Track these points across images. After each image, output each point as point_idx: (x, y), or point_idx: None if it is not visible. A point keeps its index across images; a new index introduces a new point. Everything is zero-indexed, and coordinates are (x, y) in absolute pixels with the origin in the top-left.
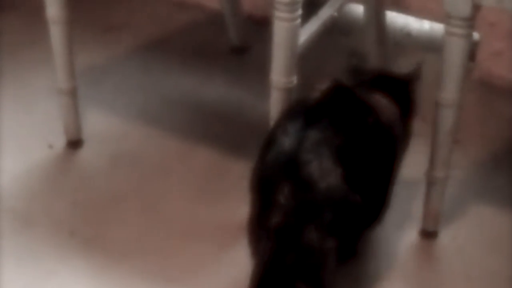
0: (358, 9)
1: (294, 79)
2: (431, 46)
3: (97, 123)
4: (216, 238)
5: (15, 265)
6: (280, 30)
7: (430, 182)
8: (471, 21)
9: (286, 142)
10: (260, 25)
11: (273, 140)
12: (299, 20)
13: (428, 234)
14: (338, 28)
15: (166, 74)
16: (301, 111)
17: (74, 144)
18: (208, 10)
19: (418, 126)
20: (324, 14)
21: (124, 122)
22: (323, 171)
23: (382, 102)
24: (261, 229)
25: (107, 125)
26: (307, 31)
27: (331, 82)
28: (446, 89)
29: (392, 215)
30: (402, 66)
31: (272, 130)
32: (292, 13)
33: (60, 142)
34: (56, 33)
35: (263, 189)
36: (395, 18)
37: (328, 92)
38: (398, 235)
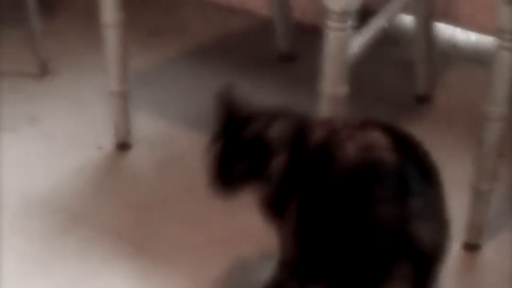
0: (407, 20)
1: (345, 90)
2: (476, 58)
3: (146, 126)
4: (261, 244)
5: (62, 264)
6: (331, 40)
7: (475, 195)
8: None
9: (391, 214)
10: (309, 33)
11: (370, 219)
12: (351, 30)
13: (471, 247)
14: (386, 38)
15: (215, 79)
16: (392, 178)
17: (123, 146)
18: (258, 17)
19: (464, 137)
20: (376, 24)
21: (172, 126)
22: (434, 237)
23: None
24: None
25: (155, 129)
26: (359, 42)
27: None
28: (494, 103)
29: None
30: None
31: (361, 206)
32: (344, 23)
33: (109, 143)
34: (110, 36)
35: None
36: (442, 29)
37: (400, 151)
38: None
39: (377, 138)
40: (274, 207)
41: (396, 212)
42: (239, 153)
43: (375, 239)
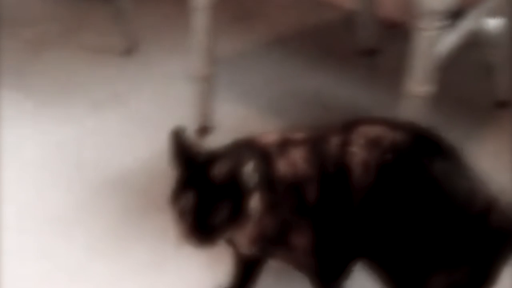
0: (490, 22)
1: (431, 90)
2: None
3: (228, 111)
4: None
5: (136, 244)
6: (421, 38)
7: None
8: None
9: (451, 171)
10: (392, 29)
11: (441, 185)
12: (441, 30)
13: None
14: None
15: (296, 69)
16: (427, 145)
17: (204, 130)
18: (343, 10)
19: None
20: (466, 25)
21: (254, 112)
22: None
23: None
24: None
25: (237, 114)
26: (448, 42)
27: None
28: None
29: None
30: None
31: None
32: (436, 23)
33: (190, 127)
34: (199, 21)
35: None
36: None
37: (398, 128)
38: None
39: (371, 131)
40: (270, 239)
41: (452, 167)
42: (215, 199)
43: (458, 199)
